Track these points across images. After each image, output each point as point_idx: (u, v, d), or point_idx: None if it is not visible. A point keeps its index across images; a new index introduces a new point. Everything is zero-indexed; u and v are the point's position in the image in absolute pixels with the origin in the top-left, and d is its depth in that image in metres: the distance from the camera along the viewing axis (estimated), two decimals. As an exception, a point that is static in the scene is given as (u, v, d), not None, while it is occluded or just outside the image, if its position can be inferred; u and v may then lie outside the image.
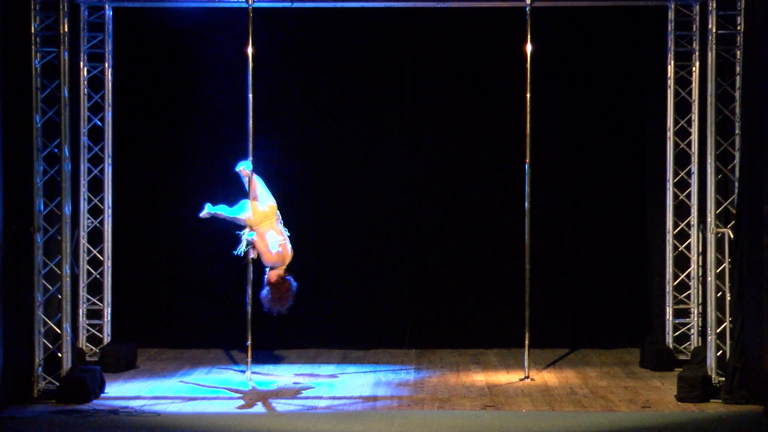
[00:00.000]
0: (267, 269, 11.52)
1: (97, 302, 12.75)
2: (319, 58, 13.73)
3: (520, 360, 12.42)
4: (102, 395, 11.14)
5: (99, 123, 12.71)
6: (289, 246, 11.56)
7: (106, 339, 12.76)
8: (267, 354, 13.22)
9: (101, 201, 12.76)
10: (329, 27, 13.58)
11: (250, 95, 11.80)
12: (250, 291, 11.84)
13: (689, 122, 12.58)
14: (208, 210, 11.46)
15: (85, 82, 12.62)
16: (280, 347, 13.46)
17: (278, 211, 11.67)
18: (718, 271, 11.18)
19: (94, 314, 12.77)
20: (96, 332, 12.77)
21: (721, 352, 11.08)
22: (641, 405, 10.82)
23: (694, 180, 12.53)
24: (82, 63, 12.52)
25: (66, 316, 11.16)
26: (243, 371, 12.11)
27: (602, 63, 13.67)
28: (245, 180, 11.65)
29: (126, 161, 13.41)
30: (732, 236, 11.08)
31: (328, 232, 13.75)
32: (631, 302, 13.78)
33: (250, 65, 11.79)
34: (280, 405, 10.89)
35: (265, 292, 11.45)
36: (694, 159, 12.51)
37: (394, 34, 13.71)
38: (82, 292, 12.66)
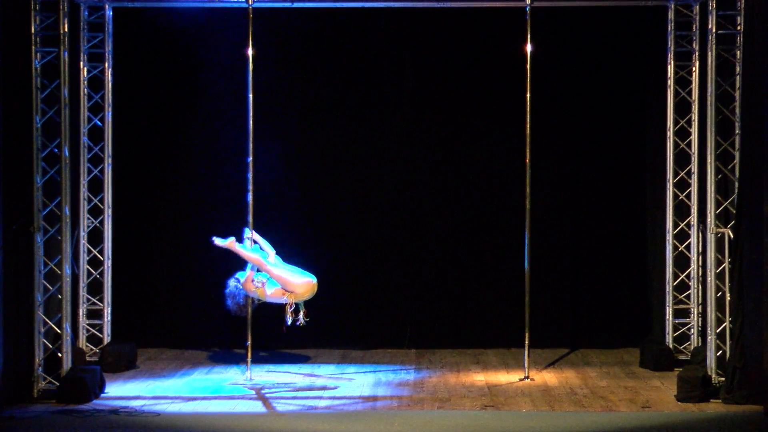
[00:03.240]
0: (247, 277, 11.64)
1: (97, 302, 12.75)
2: (319, 58, 13.73)
3: (520, 360, 12.42)
4: (102, 395, 11.14)
5: (99, 123, 12.71)
6: (255, 295, 11.70)
7: (106, 339, 12.76)
8: (267, 354, 13.22)
9: (101, 201, 12.76)
10: (329, 27, 13.58)
11: (250, 95, 11.81)
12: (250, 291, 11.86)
13: (689, 122, 12.59)
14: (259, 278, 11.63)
15: (85, 82, 12.62)
16: (280, 347, 13.46)
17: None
18: (718, 271, 11.18)
19: (94, 314, 12.76)
20: (96, 332, 12.77)
21: (721, 352, 11.08)
22: (641, 405, 10.82)
23: (694, 180, 12.53)
24: (82, 63, 12.53)
25: (66, 316, 11.15)
26: (243, 371, 12.12)
27: (602, 63, 13.67)
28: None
29: (126, 161, 13.41)
30: (732, 236, 11.08)
31: (328, 232, 13.74)
32: (631, 302, 13.78)
33: (250, 65, 11.80)
34: (280, 405, 10.89)
35: (235, 289, 11.59)
36: (694, 159, 12.52)
37: (394, 34, 13.70)
38: (82, 292, 12.66)
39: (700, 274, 12.39)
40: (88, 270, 12.71)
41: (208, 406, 10.76)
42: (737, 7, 11.05)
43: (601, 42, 13.64)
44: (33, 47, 11.05)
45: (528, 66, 11.85)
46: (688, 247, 12.66)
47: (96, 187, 12.76)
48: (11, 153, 10.75)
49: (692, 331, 12.64)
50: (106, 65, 12.67)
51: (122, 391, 11.36)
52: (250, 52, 11.78)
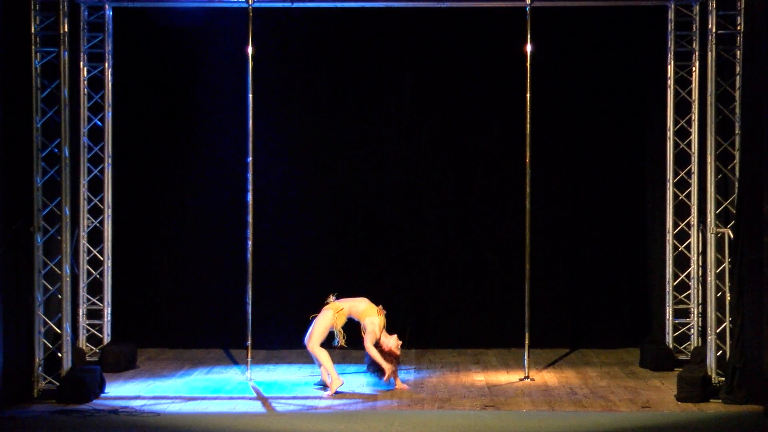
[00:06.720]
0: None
1: (97, 302, 12.74)
2: (319, 58, 13.74)
3: (520, 360, 12.42)
4: (102, 395, 11.14)
5: (99, 123, 12.71)
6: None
7: (106, 339, 12.76)
8: (267, 354, 13.22)
9: (101, 201, 12.76)
10: (329, 27, 13.59)
11: (250, 95, 11.81)
12: (250, 291, 11.85)
13: (689, 122, 12.59)
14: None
15: (85, 82, 12.62)
16: (280, 347, 13.46)
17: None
18: (718, 271, 11.18)
19: (94, 314, 12.76)
20: (96, 332, 12.77)
21: (721, 352, 11.08)
22: (641, 405, 10.82)
23: (694, 180, 12.54)
24: (82, 63, 12.53)
25: (66, 316, 11.15)
26: (243, 371, 12.12)
27: (602, 63, 13.68)
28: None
29: (126, 161, 13.41)
30: (732, 236, 11.08)
31: (328, 232, 13.75)
32: (631, 302, 13.79)
33: (250, 65, 11.80)
34: (280, 405, 10.89)
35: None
36: (694, 159, 12.52)
37: (393, 34, 13.71)
38: (82, 292, 12.66)
39: (700, 274, 12.39)
40: (88, 270, 12.71)
41: (208, 406, 10.75)
42: (737, 7, 11.05)
43: (601, 42, 13.65)
44: (33, 47, 11.04)
45: (528, 66, 11.85)
46: (688, 247, 12.67)
47: (96, 187, 12.76)
48: (11, 153, 10.74)
49: (692, 331, 12.65)
50: (106, 65, 12.67)
51: (122, 391, 11.35)
52: (250, 51, 11.78)
